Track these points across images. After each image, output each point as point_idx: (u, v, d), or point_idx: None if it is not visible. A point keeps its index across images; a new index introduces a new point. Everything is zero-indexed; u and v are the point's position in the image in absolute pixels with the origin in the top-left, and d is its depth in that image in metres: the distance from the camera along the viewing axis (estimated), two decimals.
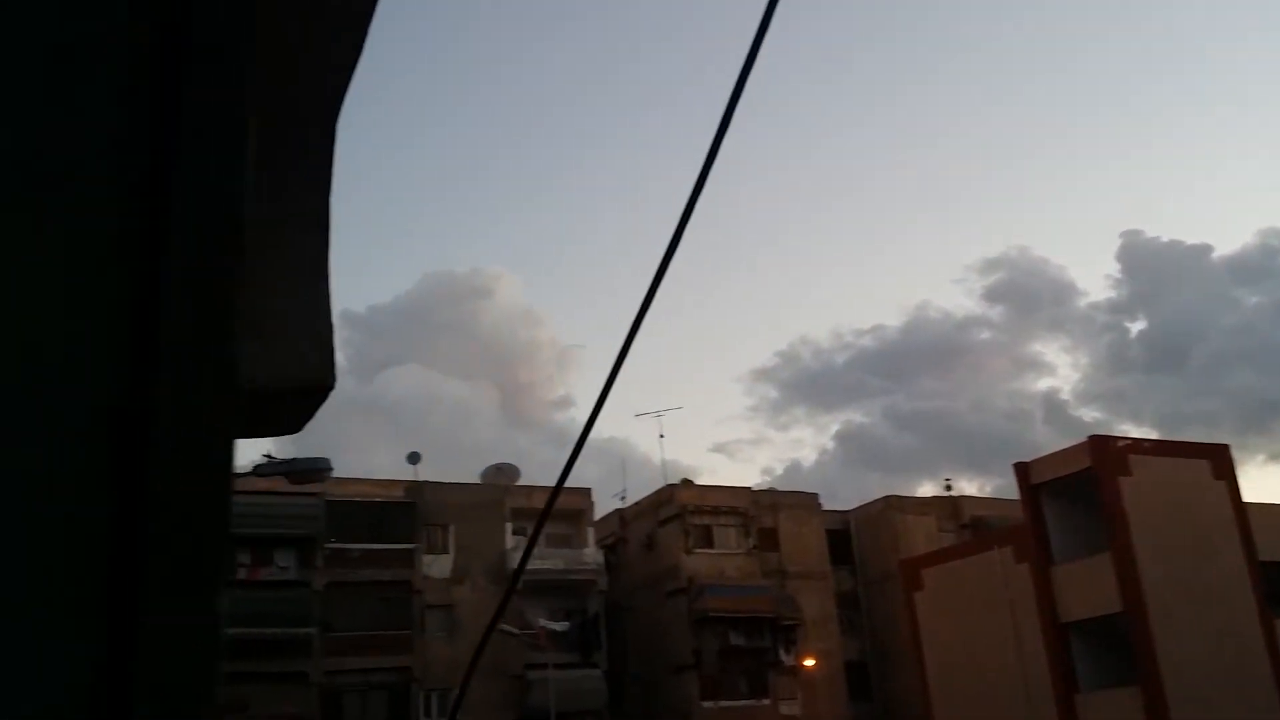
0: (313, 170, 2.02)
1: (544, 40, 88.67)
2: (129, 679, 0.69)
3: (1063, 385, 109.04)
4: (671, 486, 44.45)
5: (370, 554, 38.31)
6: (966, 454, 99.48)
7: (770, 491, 46.78)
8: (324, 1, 1.62)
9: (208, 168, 0.78)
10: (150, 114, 0.78)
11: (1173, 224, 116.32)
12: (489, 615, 38.22)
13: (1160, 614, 30.29)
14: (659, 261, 1.95)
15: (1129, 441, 33.93)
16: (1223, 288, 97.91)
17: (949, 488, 50.56)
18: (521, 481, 42.85)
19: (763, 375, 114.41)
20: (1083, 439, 33.44)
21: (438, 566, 39.66)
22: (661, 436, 71.61)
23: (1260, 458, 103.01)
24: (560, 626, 39.47)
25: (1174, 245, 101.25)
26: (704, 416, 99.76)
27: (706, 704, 40.01)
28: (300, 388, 2.52)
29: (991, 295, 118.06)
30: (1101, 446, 32.66)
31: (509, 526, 40.67)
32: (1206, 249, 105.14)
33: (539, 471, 59.44)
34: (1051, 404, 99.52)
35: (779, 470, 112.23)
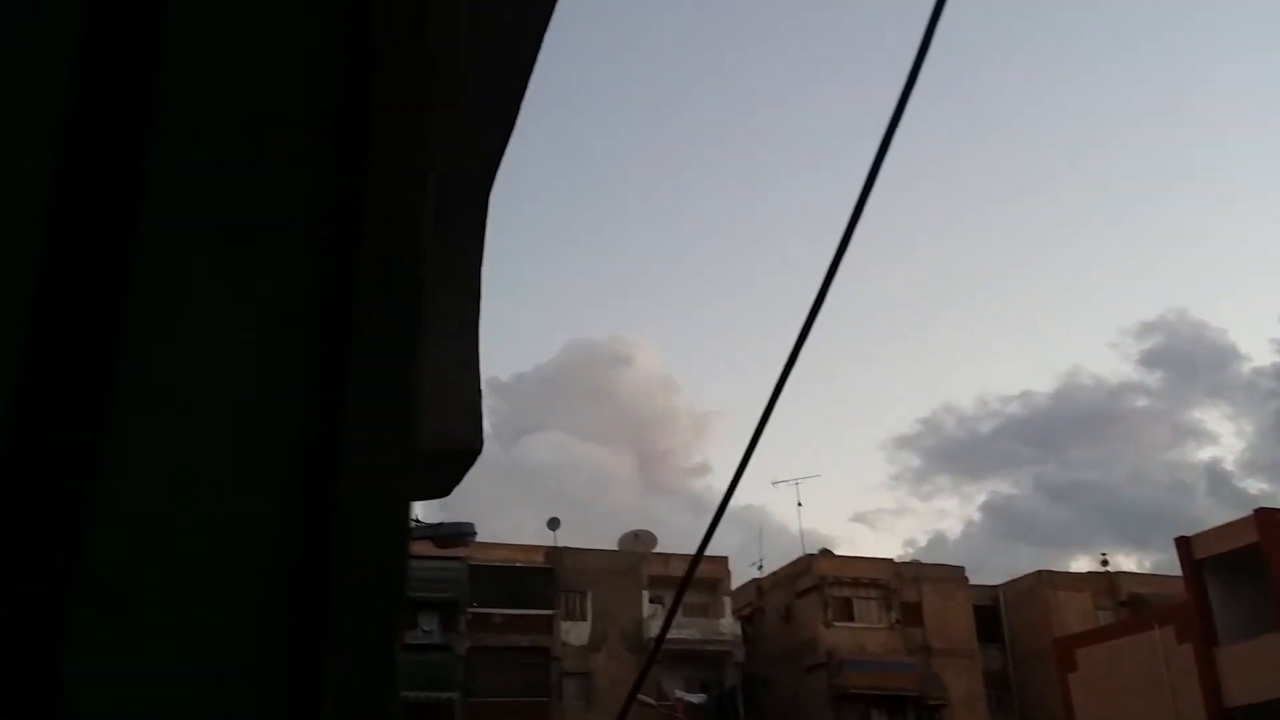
0: (467, 241, 2.11)
1: (680, 110, 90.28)
2: None
3: (1226, 455, 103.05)
4: (810, 556, 43.61)
5: (511, 619, 38.66)
6: (1123, 527, 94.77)
7: (914, 563, 45.46)
8: (486, 78, 1.71)
9: (392, 229, 0.81)
10: (336, 177, 0.83)
11: None
12: (625, 683, 38.00)
13: None
14: (799, 328, 1.95)
15: None
16: None
17: (1105, 563, 48.23)
18: (658, 548, 42.72)
19: (905, 443, 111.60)
20: (1249, 512, 31.59)
21: (575, 633, 39.73)
22: (799, 505, 70.01)
23: None
24: (697, 698, 38.92)
25: None
26: (843, 484, 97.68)
27: None
28: (450, 452, 2.60)
29: (1149, 360, 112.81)
30: (1269, 519, 30.75)
31: (645, 594, 40.54)
32: None
33: (675, 538, 59.25)
34: (1214, 475, 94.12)
35: (922, 541, 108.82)
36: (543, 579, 39.91)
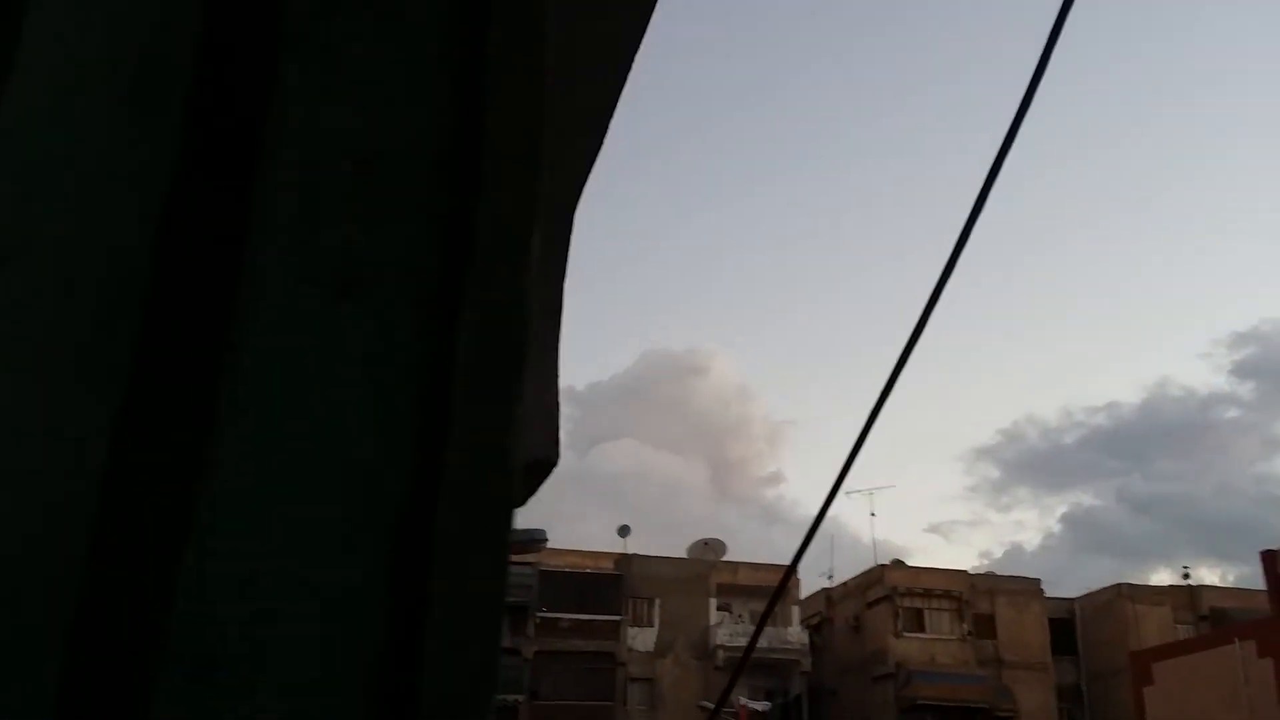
0: (550, 260, 2.14)
1: (768, 120, 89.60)
2: None
3: None
4: (882, 567, 43.10)
5: (578, 624, 38.81)
6: (1208, 541, 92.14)
7: (989, 575, 44.66)
8: (579, 97, 1.73)
9: (497, 285, 0.83)
10: (444, 227, 0.84)
11: None
12: (690, 691, 37.93)
13: None
14: (901, 347, 1.92)
15: None
16: None
17: (1186, 576, 46.89)
18: (728, 557, 42.59)
19: (984, 454, 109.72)
20: None
21: (642, 639, 39.76)
22: (873, 515, 69.18)
23: None
24: (762, 706, 38.67)
25: None
26: (918, 495, 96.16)
27: None
28: (529, 463, 2.64)
29: (1241, 371, 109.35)
30: None
31: (713, 602, 40.44)
32: None
33: (746, 546, 58.93)
34: None
35: (998, 553, 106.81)
36: (611, 585, 40.01)
